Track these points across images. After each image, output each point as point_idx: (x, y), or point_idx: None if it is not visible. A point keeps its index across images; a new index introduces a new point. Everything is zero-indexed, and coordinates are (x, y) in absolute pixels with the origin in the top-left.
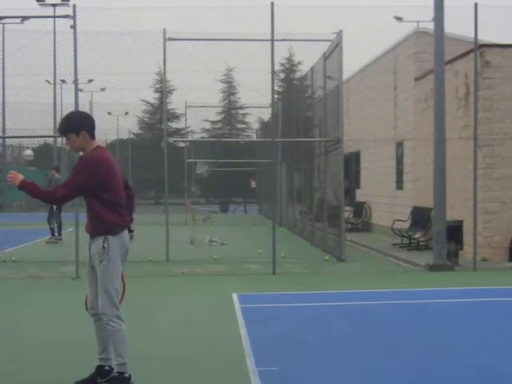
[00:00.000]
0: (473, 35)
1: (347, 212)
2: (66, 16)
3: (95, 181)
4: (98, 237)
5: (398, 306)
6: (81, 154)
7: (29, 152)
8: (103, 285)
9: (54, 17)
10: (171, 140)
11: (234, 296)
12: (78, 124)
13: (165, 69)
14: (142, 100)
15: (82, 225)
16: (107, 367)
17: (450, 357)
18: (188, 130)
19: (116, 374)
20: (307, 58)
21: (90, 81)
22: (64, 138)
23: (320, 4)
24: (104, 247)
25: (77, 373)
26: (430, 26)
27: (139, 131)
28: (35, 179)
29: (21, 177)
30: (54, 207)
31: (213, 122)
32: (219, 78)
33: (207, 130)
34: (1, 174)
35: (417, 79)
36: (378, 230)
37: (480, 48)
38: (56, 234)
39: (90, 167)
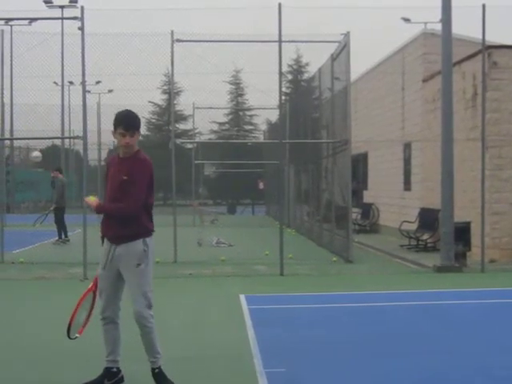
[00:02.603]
0: (480, 36)
1: (355, 213)
2: (74, 18)
3: (150, 183)
4: (134, 240)
5: (406, 307)
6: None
7: (37, 153)
8: (141, 287)
9: (62, 18)
10: (179, 141)
11: (242, 297)
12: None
13: (172, 70)
14: (150, 101)
15: (90, 226)
16: (115, 369)
17: (457, 357)
18: (196, 131)
19: (157, 370)
20: (315, 60)
21: (98, 82)
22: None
23: (328, 5)
24: (145, 250)
25: (83, 374)
26: (438, 27)
27: (147, 132)
28: (42, 181)
29: (96, 201)
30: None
31: (220, 124)
32: (227, 80)
33: (215, 132)
34: (9, 175)
35: (424, 80)
36: (385, 231)
37: (488, 49)
38: (63, 236)
39: (151, 169)
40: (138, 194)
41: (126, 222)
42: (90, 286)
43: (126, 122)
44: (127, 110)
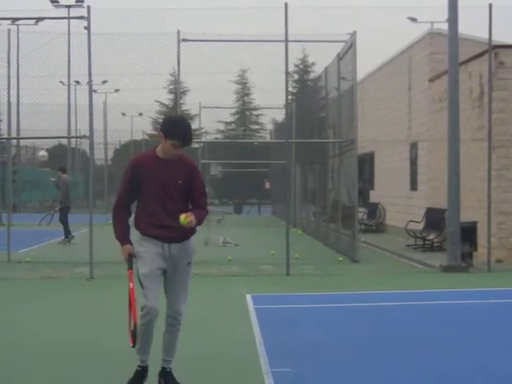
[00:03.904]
0: (487, 36)
1: (361, 213)
2: (81, 17)
3: None
4: (187, 240)
5: (412, 307)
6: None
7: (43, 153)
8: (185, 285)
9: (69, 18)
10: None
11: (248, 297)
12: None
13: (179, 70)
14: (156, 101)
15: (97, 226)
16: (168, 369)
17: (459, 357)
18: (202, 131)
19: (169, 370)
20: (321, 59)
21: (104, 82)
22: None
23: (334, 5)
24: (194, 249)
25: (90, 373)
26: (445, 26)
27: (153, 132)
28: (49, 180)
29: (192, 217)
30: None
31: (227, 123)
32: (233, 79)
33: (221, 131)
34: (15, 174)
35: (431, 80)
36: (391, 231)
37: (494, 49)
38: (67, 235)
39: None
40: (206, 197)
41: None
42: (130, 286)
43: (185, 138)
44: (184, 120)
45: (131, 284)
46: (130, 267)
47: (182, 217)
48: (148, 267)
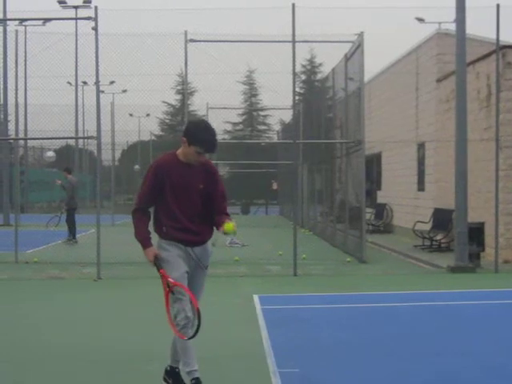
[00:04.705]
0: (495, 36)
1: (368, 213)
2: (88, 18)
3: None
4: (207, 242)
5: (419, 307)
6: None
7: (50, 153)
8: (203, 288)
9: (76, 19)
10: None
11: (256, 297)
12: None
13: (186, 70)
14: (164, 101)
15: (104, 226)
16: (177, 369)
17: (470, 358)
18: None
19: (178, 371)
20: (328, 60)
21: (112, 82)
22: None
23: (342, 5)
24: (211, 251)
25: (99, 374)
26: (452, 27)
27: (160, 133)
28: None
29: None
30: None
31: (234, 124)
32: (240, 80)
33: (228, 132)
34: (23, 175)
35: (438, 80)
36: (399, 231)
37: (502, 49)
38: (71, 236)
39: None
40: (227, 202)
41: (209, 222)
42: (166, 286)
43: (210, 146)
44: (209, 127)
45: (170, 283)
46: (161, 267)
47: (230, 225)
48: (177, 271)
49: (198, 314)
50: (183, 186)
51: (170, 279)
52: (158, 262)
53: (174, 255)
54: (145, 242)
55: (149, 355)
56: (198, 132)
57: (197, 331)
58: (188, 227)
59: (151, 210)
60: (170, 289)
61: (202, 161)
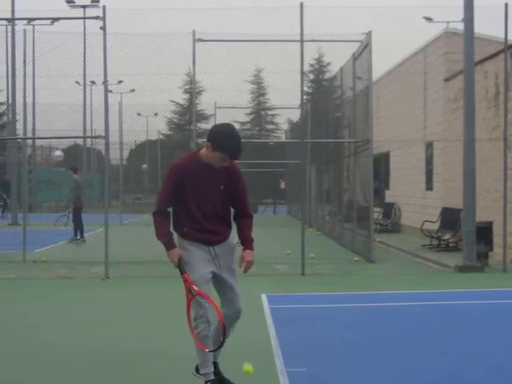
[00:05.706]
0: (503, 35)
1: (376, 213)
2: (96, 17)
3: None
4: (228, 239)
5: (427, 307)
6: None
7: (58, 153)
8: (237, 283)
9: (84, 18)
10: (200, 141)
11: (263, 297)
12: None
13: (194, 70)
14: (172, 101)
15: (112, 226)
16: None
17: (479, 358)
18: None
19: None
20: (336, 59)
21: (120, 82)
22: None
23: (349, 4)
24: (234, 245)
25: (105, 374)
26: (460, 26)
27: (168, 132)
28: (65, 180)
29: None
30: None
31: (242, 123)
32: (248, 79)
33: None
34: (31, 174)
35: (446, 80)
36: (407, 230)
37: (510, 48)
38: (78, 235)
39: None
40: (249, 201)
41: (229, 222)
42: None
43: (235, 154)
44: (235, 134)
45: (194, 290)
46: (184, 271)
47: (249, 368)
48: (198, 273)
49: (223, 331)
50: (203, 187)
51: (194, 286)
52: (181, 265)
53: (196, 256)
54: (169, 244)
55: (151, 355)
56: (224, 139)
57: (219, 347)
58: (207, 228)
59: (170, 210)
60: (192, 296)
61: (225, 165)
